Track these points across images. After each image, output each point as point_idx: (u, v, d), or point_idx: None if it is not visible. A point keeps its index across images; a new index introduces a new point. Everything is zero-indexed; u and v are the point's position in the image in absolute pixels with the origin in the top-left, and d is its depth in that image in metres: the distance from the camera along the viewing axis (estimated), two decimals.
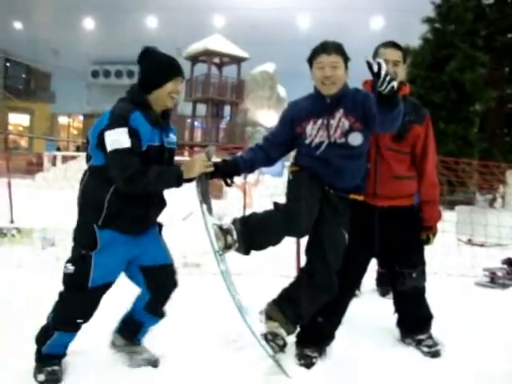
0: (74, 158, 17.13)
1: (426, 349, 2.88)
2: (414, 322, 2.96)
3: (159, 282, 2.50)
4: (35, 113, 28.99)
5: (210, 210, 2.50)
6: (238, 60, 23.74)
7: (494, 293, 4.41)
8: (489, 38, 13.64)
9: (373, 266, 2.99)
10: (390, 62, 2.65)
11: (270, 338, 2.52)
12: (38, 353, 2.41)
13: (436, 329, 2.98)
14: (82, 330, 2.45)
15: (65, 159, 17.70)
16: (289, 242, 2.77)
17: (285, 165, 10.32)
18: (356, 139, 2.48)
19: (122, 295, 2.63)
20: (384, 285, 4.06)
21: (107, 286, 2.38)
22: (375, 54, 2.74)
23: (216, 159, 2.59)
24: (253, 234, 2.42)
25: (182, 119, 23.66)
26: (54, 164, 17.84)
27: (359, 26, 23.41)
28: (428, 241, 2.87)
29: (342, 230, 2.55)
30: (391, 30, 18.01)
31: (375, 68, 2.16)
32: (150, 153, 2.28)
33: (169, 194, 2.52)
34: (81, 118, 31.65)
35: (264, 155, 2.69)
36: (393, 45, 2.76)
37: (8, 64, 28.01)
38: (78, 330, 2.42)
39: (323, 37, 2.66)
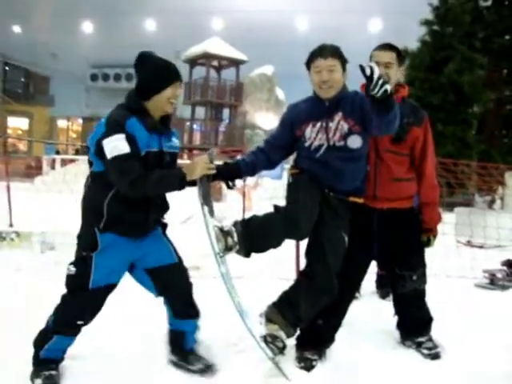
0: (72, 161, 17.15)
1: (426, 351, 2.88)
2: (414, 324, 2.96)
3: (167, 283, 2.49)
4: (34, 116, 28.99)
5: (211, 212, 2.50)
6: (236, 63, 23.77)
7: (494, 294, 4.41)
8: (487, 40, 13.67)
9: (372, 268, 2.99)
10: (382, 64, 2.64)
11: (270, 340, 2.52)
12: (36, 357, 2.41)
13: (436, 331, 2.98)
14: (80, 335, 2.45)
15: (64, 162, 17.70)
16: (289, 244, 2.77)
17: (284, 167, 10.33)
18: (355, 142, 2.49)
19: (123, 299, 2.63)
20: (384, 287, 4.05)
21: (108, 288, 2.39)
22: (371, 58, 2.75)
23: (218, 162, 2.60)
24: (253, 236, 2.42)
25: (181, 122, 23.67)
26: (53, 167, 17.83)
27: (357, 28, 23.46)
28: (429, 243, 2.87)
29: (341, 232, 2.55)
30: (389, 33, 18.03)
31: (368, 72, 2.17)
32: (149, 159, 2.28)
33: (169, 196, 2.53)
34: (80, 121, 31.66)
35: (265, 158, 2.69)
36: (385, 47, 2.75)
37: (7, 68, 28.01)
38: (77, 333, 2.42)
39: (321, 39, 2.67)
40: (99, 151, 2.24)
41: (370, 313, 3.49)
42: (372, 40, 3.10)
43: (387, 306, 3.18)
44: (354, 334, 3.01)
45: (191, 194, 2.55)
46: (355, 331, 3.05)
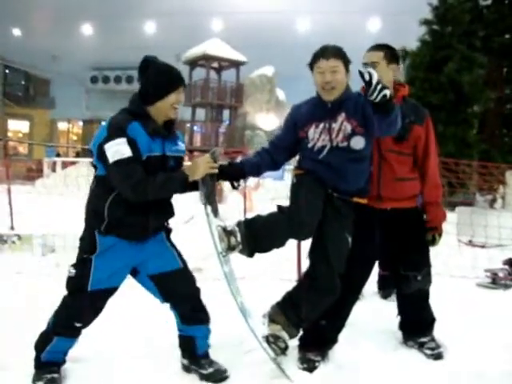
0: (73, 163, 17.12)
1: (428, 351, 2.87)
2: (417, 324, 2.95)
3: (171, 289, 2.47)
4: (34, 119, 28.99)
5: (215, 211, 2.49)
6: (236, 64, 23.79)
7: (496, 294, 4.41)
8: (486, 39, 13.65)
9: (374, 268, 2.98)
10: (369, 64, 2.66)
11: (272, 340, 2.52)
12: (37, 359, 2.41)
13: (438, 330, 2.97)
14: (81, 337, 2.45)
15: (65, 165, 17.68)
16: (291, 245, 2.77)
17: (285, 168, 10.32)
18: (358, 143, 2.48)
19: (125, 302, 2.62)
20: (385, 287, 4.05)
21: (108, 291, 2.38)
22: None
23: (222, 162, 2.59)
24: (257, 236, 2.42)
25: (182, 124, 23.66)
26: (53, 170, 17.82)
27: (357, 28, 23.44)
28: (434, 241, 2.86)
29: (345, 233, 2.54)
30: (389, 33, 18.04)
31: (366, 77, 2.18)
32: (150, 163, 2.28)
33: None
34: (80, 123, 31.64)
35: (270, 159, 2.69)
36: (372, 47, 2.76)
37: (7, 71, 28.01)
38: (77, 335, 2.42)
39: (321, 40, 2.66)
40: (101, 155, 2.24)
41: (371, 313, 3.49)
42: (372, 40, 3.09)
43: (389, 307, 3.17)
44: (356, 335, 3.00)
45: (192, 194, 2.55)
46: (357, 332, 3.04)
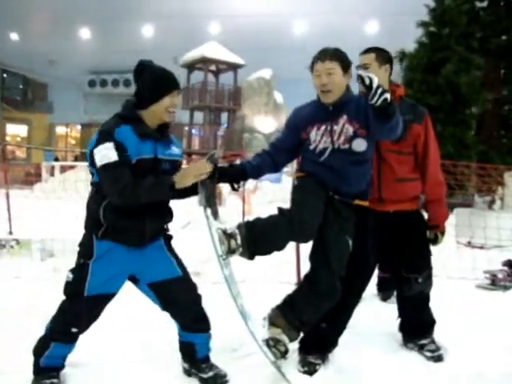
0: (72, 167, 17.10)
1: (428, 353, 2.87)
2: (418, 327, 2.95)
3: (170, 298, 2.46)
4: (33, 123, 28.97)
5: (215, 214, 2.48)
6: (234, 67, 23.80)
7: (495, 295, 4.40)
8: (484, 41, 13.68)
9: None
10: (361, 66, 2.68)
11: (272, 343, 2.50)
12: (36, 365, 2.40)
13: (438, 332, 2.97)
14: (81, 341, 2.44)
15: (63, 169, 17.67)
16: (290, 248, 2.76)
17: (283, 171, 10.33)
18: (360, 145, 2.48)
19: (124, 307, 2.61)
20: (385, 290, 4.05)
21: (105, 297, 2.37)
22: None
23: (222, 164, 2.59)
24: (257, 239, 2.40)
25: (180, 127, 23.66)
26: (52, 174, 17.80)
27: (355, 31, 23.46)
28: (436, 240, 2.85)
29: (346, 236, 2.53)
30: (387, 35, 18.10)
31: (367, 81, 2.18)
32: (141, 166, 2.26)
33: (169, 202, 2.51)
34: (78, 127, 31.63)
35: (271, 161, 2.69)
36: (364, 50, 2.77)
37: (5, 75, 27.98)
38: (74, 341, 2.41)
39: (319, 42, 2.67)
40: (93, 161, 2.25)
41: (371, 315, 3.48)
42: (369, 43, 3.10)
43: (389, 309, 3.17)
44: (356, 337, 3.00)
45: (188, 199, 2.54)
46: (357, 334, 3.04)
